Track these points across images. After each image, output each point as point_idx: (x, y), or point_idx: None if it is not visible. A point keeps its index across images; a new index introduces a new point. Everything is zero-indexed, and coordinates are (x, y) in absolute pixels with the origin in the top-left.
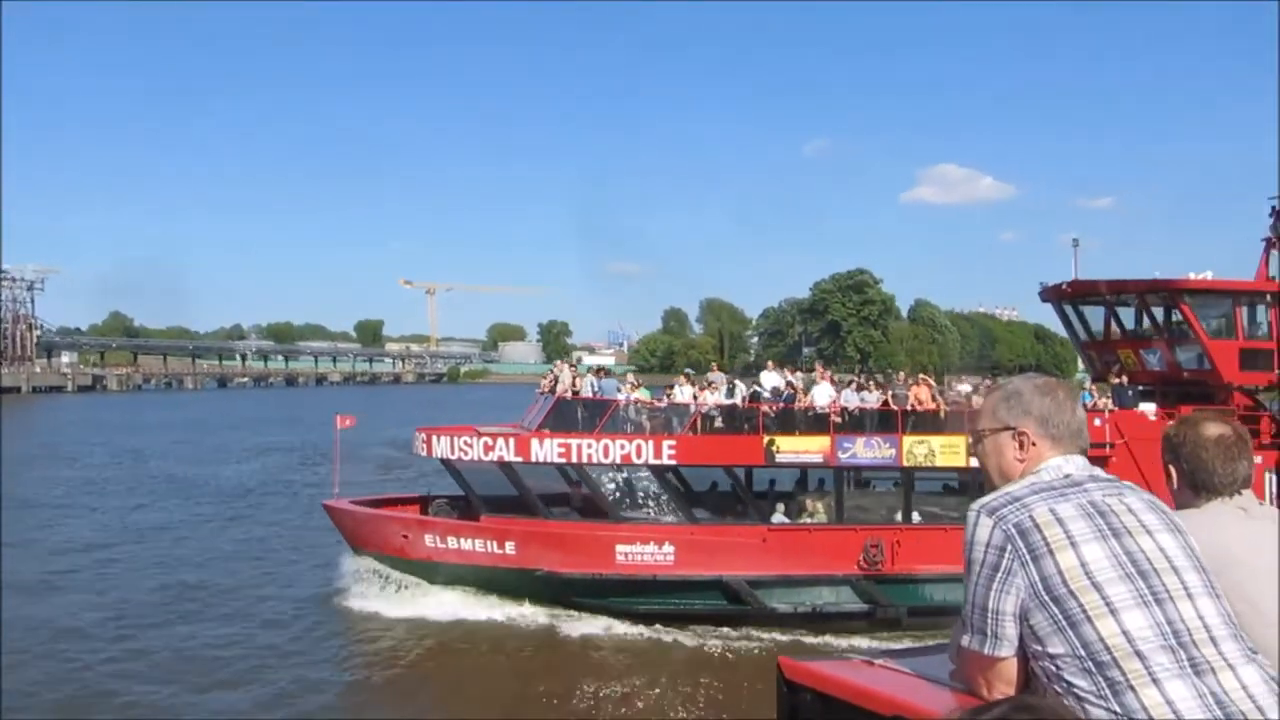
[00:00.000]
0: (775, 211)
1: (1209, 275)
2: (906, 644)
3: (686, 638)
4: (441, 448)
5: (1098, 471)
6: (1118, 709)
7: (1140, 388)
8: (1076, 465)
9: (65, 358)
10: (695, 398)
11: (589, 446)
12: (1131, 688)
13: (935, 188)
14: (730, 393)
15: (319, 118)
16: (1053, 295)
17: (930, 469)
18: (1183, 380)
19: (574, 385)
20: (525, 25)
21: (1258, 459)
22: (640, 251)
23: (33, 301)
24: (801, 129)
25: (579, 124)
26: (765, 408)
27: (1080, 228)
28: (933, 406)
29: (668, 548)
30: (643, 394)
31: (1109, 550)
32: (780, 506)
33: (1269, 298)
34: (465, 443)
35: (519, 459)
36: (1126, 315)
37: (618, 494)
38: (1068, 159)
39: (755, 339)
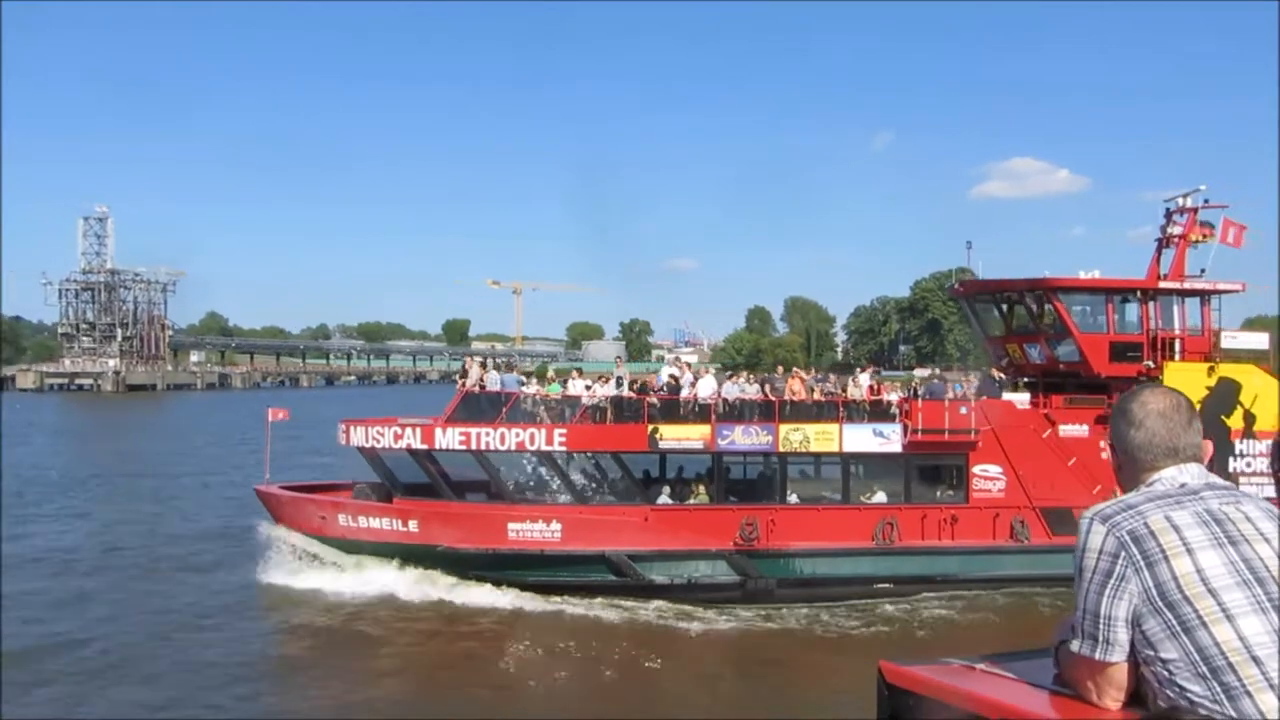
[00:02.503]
0: (840, 207)
1: (1097, 274)
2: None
3: (574, 607)
4: (358, 437)
5: (1214, 479)
6: (1233, 715)
7: (1026, 379)
8: (1191, 474)
9: (194, 356)
10: (588, 389)
11: (487, 434)
12: (1248, 693)
13: (1007, 182)
14: (619, 385)
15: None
16: (952, 294)
17: (805, 454)
18: (1061, 372)
19: (481, 380)
20: (600, 21)
21: None
22: (697, 246)
23: (165, 303)
24: (869, 122)
25: (632, 115)
26: (650, 398)
27: (1154, 220)
28: (805, 397)
29: (555, 525)
30: (555, 389)
31: (1226, 557)
32: (666, 489)
33: (1138, 294)
34: (378, 432)
35: (424, 446)
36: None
37: (525, 478)
38: (1146, 150)
39: (844, 337)
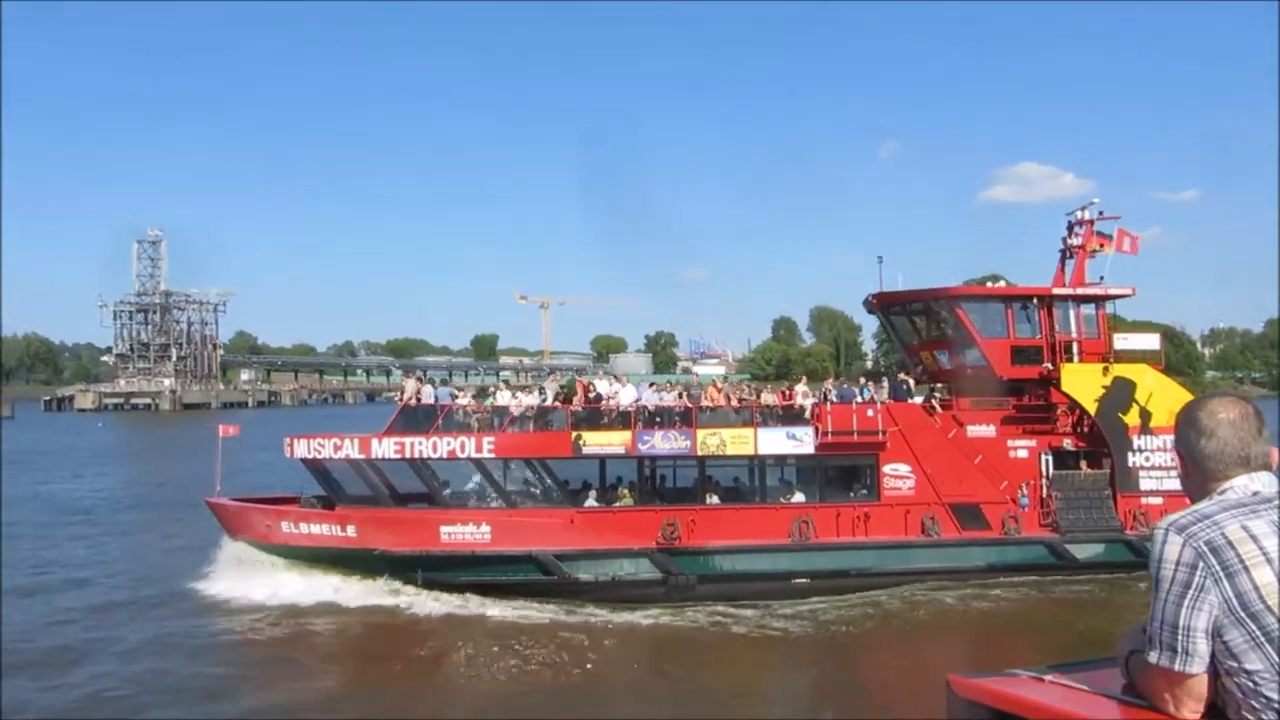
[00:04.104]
0: (853, 216)
1: (1003, 283)
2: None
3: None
4: (301, 449)
5: None
6: None
7: (939, 385)
8: (1264, 482)
9: (244, 375)
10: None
11: (420, 444)
12: None
13: (1013, 187)
14: (542, 395)
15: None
16: (867, 308)
17: (721, 457)
18: (968, 376)
19: (418, 394)
20: (613, 30)
21: (1033, 442)
22: (708, 257)
23: (217, 323)
24: (876, 131)
25: (646, 124)
26: (573, 406)
27: (1163, 221)
28: (723, 403)
29: (485, 528)
30: (490, 402)
31: None
32: (593, 493)
33: (1035, 300)
34: (318, 444)
35: (362, 456)
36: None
37: (464, 485)
38: (1150, 151)
39: (874, 345)
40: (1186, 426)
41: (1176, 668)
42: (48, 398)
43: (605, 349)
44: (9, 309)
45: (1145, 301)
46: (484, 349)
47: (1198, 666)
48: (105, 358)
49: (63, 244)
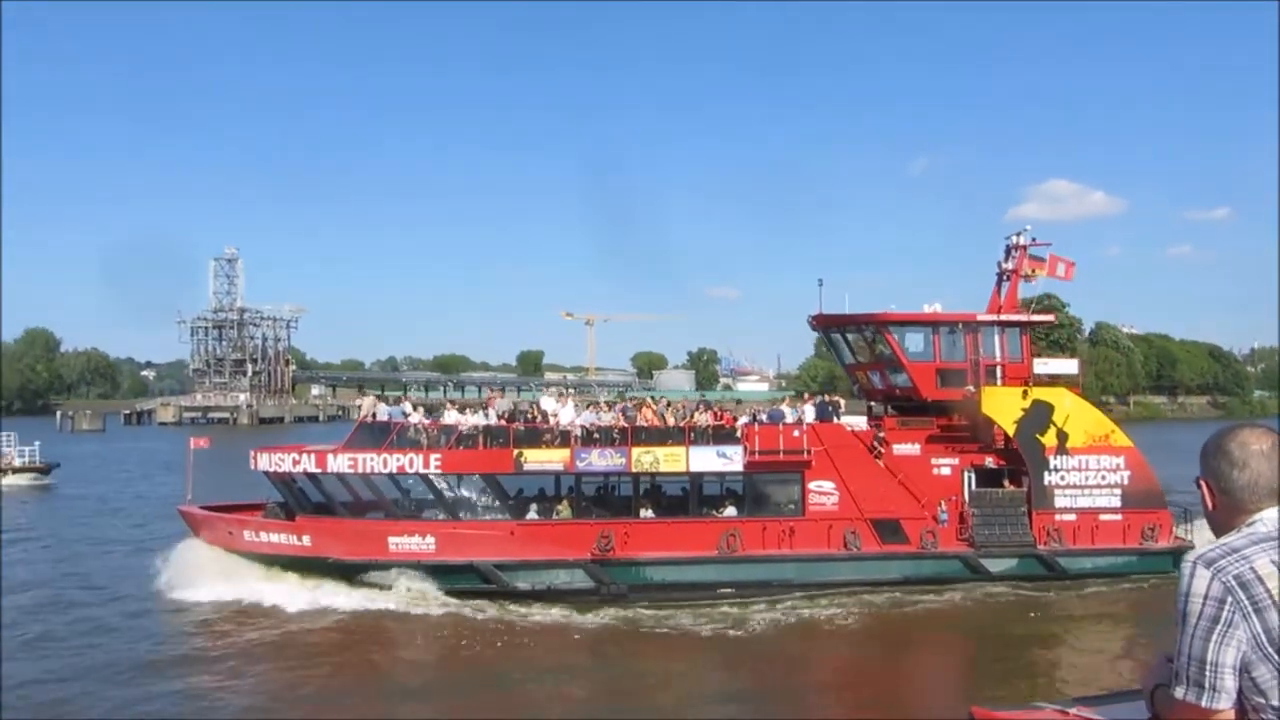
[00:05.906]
0: (882, 233)
1: (938, 308)
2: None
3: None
4: (263, 462)
5: None
6: None
7: (873, 404)
8: None
9: (315, 390)
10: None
11: (372, 459)
12: None
13: (1042, 204)
14: (486, 414)
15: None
16: (811, 327)
17: (656, 473)
18: (897, 396)
19: (374, 411)
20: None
21: (956, 460)
22: (737, 274)
23: (289, 339)
24: (904, 148)
25: (664, 143)
26: (516, 425)
27: (1193, 239)
28: (657, 423)
29: (430, 539)
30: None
31: None
32: (534, 506)
33: (960, 326)
34: (279, 458)
35: (318, 470)
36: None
37: (418, 497)
38: (1182, 169)
39: None
40: (1217, 457)
41: (1204, 703)
42: (127, 411)
43: (646, 365)
44: (63, 325)
45: (1183, 320)
46: (529, 365)
47: (1225, 703)
48: (145, 372)
49: (88, 259)
